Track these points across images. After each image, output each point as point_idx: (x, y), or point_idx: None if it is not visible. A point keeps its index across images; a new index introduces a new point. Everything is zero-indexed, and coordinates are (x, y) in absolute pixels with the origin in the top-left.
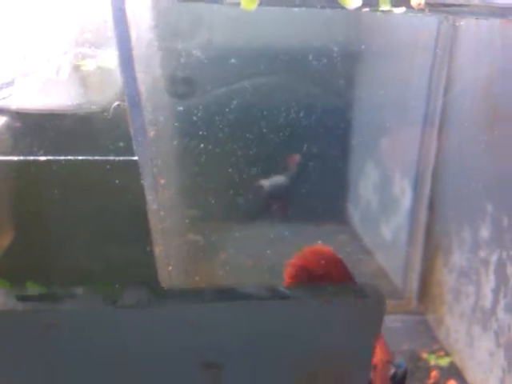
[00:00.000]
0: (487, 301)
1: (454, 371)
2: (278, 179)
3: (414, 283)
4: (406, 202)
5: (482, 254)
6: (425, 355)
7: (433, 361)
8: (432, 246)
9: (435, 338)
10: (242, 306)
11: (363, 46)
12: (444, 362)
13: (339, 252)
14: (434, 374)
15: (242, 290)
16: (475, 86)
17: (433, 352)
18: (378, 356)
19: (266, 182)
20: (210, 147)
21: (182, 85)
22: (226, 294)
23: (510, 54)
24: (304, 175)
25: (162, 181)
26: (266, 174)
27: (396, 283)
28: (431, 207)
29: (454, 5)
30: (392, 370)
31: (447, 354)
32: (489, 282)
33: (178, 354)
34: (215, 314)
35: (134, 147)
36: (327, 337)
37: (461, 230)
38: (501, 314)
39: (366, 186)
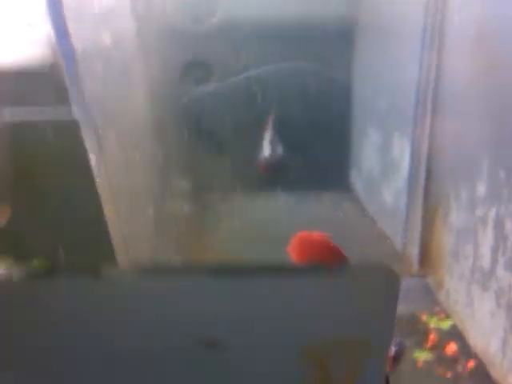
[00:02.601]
0: (486, 260)
1: (454, 334)
2: (278, 147)
3: (414, 246)
4: (405, 165)
5: (480, 211)
6: (424, 318)
7: (433, 324)
8: (431, 208)
9: (436, 300)
10: (249, 281)
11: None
12: (445, 324)
13: (342, 219)
14: (432, 336)
15: (248, 265)
16: (469, 31)
17: (433, 315)
18: None
19: (265, 150)
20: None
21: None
22: (233, 269)
23: None
24: (307, 143)
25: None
26: (265, 141)
27: (397, 247)
28: (429, 168)
29: None
30: (392, 350)
31: (448, 317)
32: (487, 241)
33: (179, 328)
34: (220, 289)
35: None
36: (339, 316)
37: (458, 189)
38: (500, 272)
39: (367, 151)
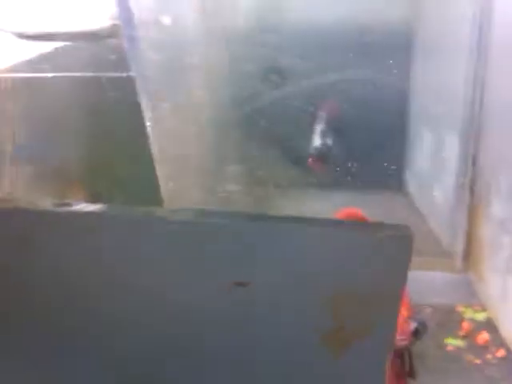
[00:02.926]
0: None
1: (489, 325)
2: (328, 139)
3: (459, 243)
4: (453, 164)
5: None
6: (460, 309)
7: (468, 314)
8: (475, 203)
9: (474, 293)
10: (274, 230)
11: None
12: (480, 316)
13: (393, 217)
14: (465, 325)
15: (275, 217)
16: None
17: (469, 306)
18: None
19: (315, 142)
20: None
21: None
22: (260, 219)
23: None
24: (366, 145)
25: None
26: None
27: (444, 244)
28: (474, 163)
29: None
30: (413, 325)
31: (484, 309)
32: None
33: (211, 270)
34: (250, 236)
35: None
36: (354, 269)
37: (498, 182)
38: None
39: (420, 152)
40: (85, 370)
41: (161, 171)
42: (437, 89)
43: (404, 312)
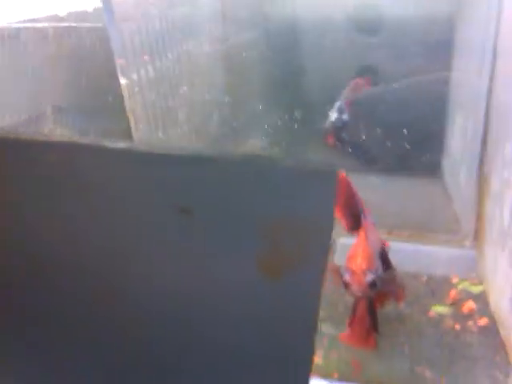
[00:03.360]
0: (506, 220)
1: (480, 298)
2: (343, 115)
3: (470, 220)
4: (476, 147)
5: (506, 173)
6: (455, 280)
7: (462, 286)
8: (482, 182)
9: (475, 268)
10: (220, 165)
11: None
12: (476, 289)
13: (425, 202)
14: (452, 294)
15: (220, 154)
16: None
17: (466, 279)
18: (358, 263)
19: (331, 117)
20: None
21: None
22: (207, 156)
23: None
24: (408, 133)
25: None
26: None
27: (461, 224)
28: (484, 145)
29: None
30: (370, 277)
31: (480, 283)
32: (509, 201)
33: (156, 199)
34: (197, 169)
35: None
36: (287, 202)
37: (497, 154)
38: None
39: (452, 136)
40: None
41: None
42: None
43: (363, 265)
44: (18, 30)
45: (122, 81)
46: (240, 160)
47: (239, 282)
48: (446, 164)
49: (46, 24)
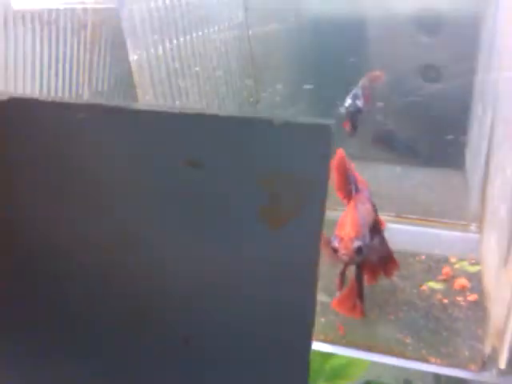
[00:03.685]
0: (495, 201)
1: (475, 276)
2: (358, 101)
3: (478, 207)
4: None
5: (499, 157)
6: (453, 260)
7: (459, 265)
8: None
9: (475, 250)
10: (230, 123)
11: None
12: (472, 269)
13: (441, 191)
14: (445, 270)
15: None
16: None
17: (465, 259)
18: (346, 231)
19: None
20: None
21: None
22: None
23: None
24: (427, 120)
25: None
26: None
27: (470, 210)
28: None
29: None
30: (357, 244)
31: (478, 264)
32: (497, 183)
33: (166, 154)
34: (208, 124)
35: None
36: (284, 156)
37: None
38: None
39: (473, 128)
40: None
41: None
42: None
43: (352, 233)
44: (57, 13)
45: (131, 57)
46: (240, 119)
47: (243, 234)
48: (468, 156)
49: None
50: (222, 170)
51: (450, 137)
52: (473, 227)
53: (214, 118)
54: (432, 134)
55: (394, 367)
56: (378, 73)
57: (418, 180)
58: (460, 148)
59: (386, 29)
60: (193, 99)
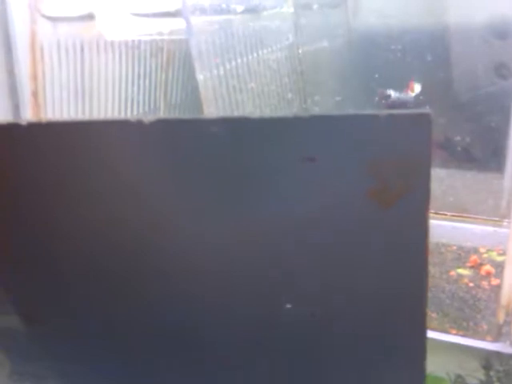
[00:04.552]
0: None
1: (501, 265)
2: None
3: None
4: None
5: None
6: (482, 250)
7: (487, 255)
8: None
9: (505, 243)
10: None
11: None
12: (499, 258)
13: (481, 192)
14: (473, 258)
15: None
16: None
17: (493, 250)
18: None
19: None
20: None
21: None
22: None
23: None
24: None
25: None
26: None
27: (503, 208)
28: None
29: None
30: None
31: (505, 254)
32: None
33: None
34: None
35: None
36: (389, 142)
37: None
38: None
39: None
40: None
41: None
42: None
43: None
44: (139, 42)
45: (198, 77)
46: (351, 116)
47: (353, 217)
48: (508, 158)
49: (155, 37)
50: (333, 162)
51: (491, 140)
52: (505, 223)
53: (328, 118)
54: (483, 137)
55: (446, 362)
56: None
57: (457, 182)
58: (502, 151)
59: (454, 36)
60: (248, 110)
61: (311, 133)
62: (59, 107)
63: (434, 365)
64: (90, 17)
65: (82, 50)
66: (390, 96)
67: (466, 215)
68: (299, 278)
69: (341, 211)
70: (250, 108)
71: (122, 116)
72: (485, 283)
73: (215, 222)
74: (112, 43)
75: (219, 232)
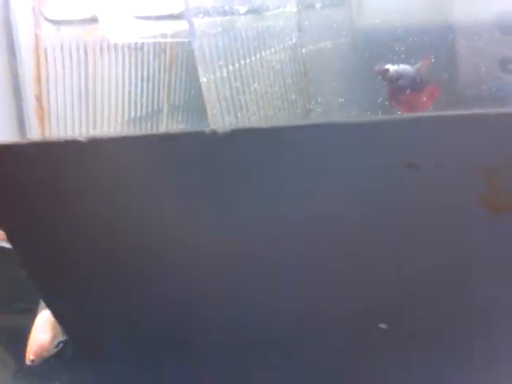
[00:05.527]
0: None
1: None
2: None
3: None
4: None
5: None
6: None
7: None
8: None
9: None
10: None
11: None
12: None
13: None
14: None
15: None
16: None
17: None
18: None
19: None
20: None
21: None
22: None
23: None
24: None
25: None
26: None
27: None
28: None
29: None
30: None
31: None
32: None
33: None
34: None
35: None
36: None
37: None
38: None
39: None
40: None
41: None
42: None
43: None
44: (142, 44)
45: (201, 79)
46: (454, 117)
47: (460, 222)
48: None
49: (159, 39)
50: (438, 168)
51: None
52: None
53: (426, 119)
54: None
55: None
56: (426, 61)
57: None
58: None
59: (463, 32)
60: (251, 111)
61: (410, 137)
62: (63, 110)
63: None
64: (93, 20)
65: (86, 52)
66: (388, 70)
67: None
68: (404, 298)
69: (448, 220)
70: (253, 109)
71: (126, 117)
72: None
73: (313, 238)
74: (115, 46)
75: (319, 245)
